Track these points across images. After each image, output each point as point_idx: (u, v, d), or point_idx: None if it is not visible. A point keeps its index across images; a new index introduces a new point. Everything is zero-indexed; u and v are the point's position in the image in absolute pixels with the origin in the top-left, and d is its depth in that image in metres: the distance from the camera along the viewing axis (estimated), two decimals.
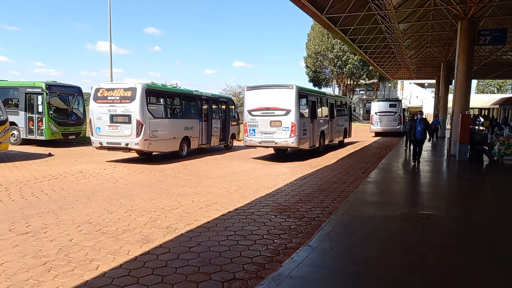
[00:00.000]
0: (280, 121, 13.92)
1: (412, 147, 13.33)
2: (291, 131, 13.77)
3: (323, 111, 17.59)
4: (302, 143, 14.44)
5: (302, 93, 14.71)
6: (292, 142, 13.88)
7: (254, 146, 15.08)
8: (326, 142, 17.98)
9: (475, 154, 13.27)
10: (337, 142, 20.65)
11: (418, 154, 12.69)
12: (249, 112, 14.46)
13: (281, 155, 16.39)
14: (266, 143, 14.38)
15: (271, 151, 17.00)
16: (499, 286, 3.91)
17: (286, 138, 13.87)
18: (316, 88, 48.92)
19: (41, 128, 16.54)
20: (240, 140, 20.77)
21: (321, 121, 16.95)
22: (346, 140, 22.42)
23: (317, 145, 16.35)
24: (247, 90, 14.97)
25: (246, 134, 14.65)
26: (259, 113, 14.26)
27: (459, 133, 13.52)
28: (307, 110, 15.36)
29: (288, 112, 13.79)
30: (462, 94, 14.60)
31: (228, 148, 18.32)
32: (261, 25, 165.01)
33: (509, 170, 11.76)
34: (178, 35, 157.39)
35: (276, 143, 14.18)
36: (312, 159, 14.92)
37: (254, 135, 14.36)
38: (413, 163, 12.54)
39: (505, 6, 15.33)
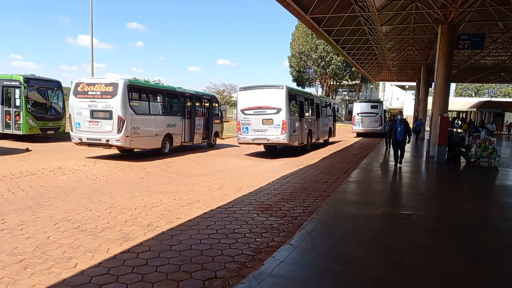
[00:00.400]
0: (271, 119, 14.74)
1: (393, 148, 12.81)
2: (282, 128, 14.59)
3: (310, 111, 18.41)
4: (292, 140, 15.26)
5: (291, 93, 15.49)
6: (283, 139, 14.69)
7: (247, 143, 15.73)
8: (313, 140, 18.73)
9: (453, 155, 13.60)
10: (322, 141, 21.54)
11: (400, 156, 12.29)
12: (242, 111, 15.27)
13: (269, 153, 16.72)
14: (259, 140, 15.16)
15: (260, 149, 17.12)
16: (478, 285, 4.01)
17: (277, 135, 14.67)
18: (300, 88, 49.42)
19: (18, 122, 16.09)
20: (223, 139, 20.74)
21: (308, 120, 17.75)
22: (330, 140, 23.29)
23: (305, 142, 17.13)
24: (239, 91, 15.73)
25: (239, 132, 15.39)
26: (251, 112, 15.07)
27: (438, 135, 13.82)
28: (296, 110, 16.10)
29: (279, 110, 14.62)
30: (441, 97, 14.93)
31: (211, 146, 18.24)
32: (246, 23, 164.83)
33: (485, 172, 12.10)
34: (161, 31, 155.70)
35: (268, 140, 15.00)
36: (295, 158, 15.01)
37: (247, 133, 15.18)
38: (394, 164, 12.26)
39: (484, 12, 15.74)
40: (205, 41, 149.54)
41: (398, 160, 12.29)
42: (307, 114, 17.59)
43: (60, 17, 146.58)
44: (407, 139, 12.26)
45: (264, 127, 14.84)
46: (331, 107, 23.85)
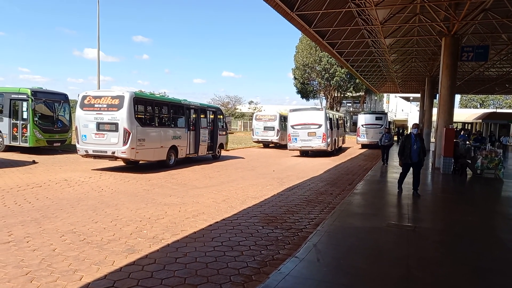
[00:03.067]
0: (315, 132, 20.57)
1: (402, 170, 9.72)
2: (323, 138, 20.47)
3: (335, 125, 23.67)
4: (328, 146, 20.88)
5: (327, 113, 21.29)
6: (323, 146, 20.58)
7: (295, 149, 21.54)
8: (336, 146, 23.99)
9: (459, 167, 13.52)
10: (337, 147, 25.86)
11: (416, 181, 9.32)
12: (292, 126, 21.07)
13: (303, 155, 22.18)
14: (305, 147, 20.94)
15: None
16: None
17: (319, 143, 20.54)
18: (305, 100, 49.85)
19: (25, 135, 16.24)
20: (228, 150, 20.77)
21: (334, 132, 22.94)
22: (342, 146, 28.41)
23: (333, 148, 22.63)
24: (290, 112, 21.59)
25: (290, 141, 21.23)
26: (299, 127, 20.88)
27: (443, 147, 13.78)
28: (329, 124, 21.22)
29: (320, 126, 20.52)
30: (446, 109, 14.93)
31: (216, 158, 18.26)
32: (250, 35, 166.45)
33: (491, 184, 12.01)
34: (166, 44, 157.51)
35: (312, 147, 20.79)
36: (300, 169, 14.99)
37: (296, 142, 21.00)
38: (398, 190, 9.75)
39: (487, 24, 15.84)
40: (210, 53, 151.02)
41: (415, 190, 9.38)
42: (334, 127, 22.85)
43: (67, 31, 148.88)
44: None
45: (309, 138, 20.61)
46: (344, 120, 30.16)
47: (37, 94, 16.42)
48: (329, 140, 20.85)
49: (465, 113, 53.85)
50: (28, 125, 16.09)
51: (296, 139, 20.86)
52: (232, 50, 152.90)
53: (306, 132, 20.64)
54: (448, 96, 14.85)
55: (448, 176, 13.21)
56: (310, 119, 20.70)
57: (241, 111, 65.20)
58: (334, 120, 23.70)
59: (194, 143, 16.15)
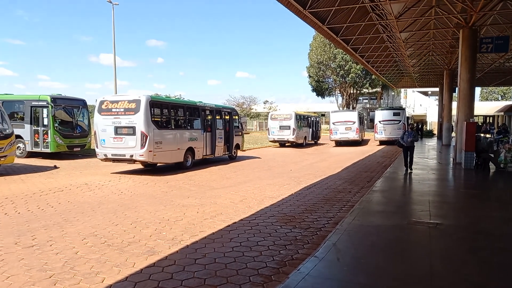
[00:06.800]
0: (350, 127, 27.96)
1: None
2: (356, 132, 27.97)
3: (362, 121, 31.60)
4: (359, 138, 28.56)
5: (358, 113, 29.78)
6: (357, 138, 28.20)
7: (336, 140, 28.93)
8: (363, 137, 31.66)
9: (481, 162, 13.18)
10: (363, 138, 32.82)
11: None
12: (333, 123, 28.66)
13: (339, 145, 29.11)
14: (343, 138, 28.20)
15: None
16: None
17: (354, 135, 28.03)
18: (321, 98, 49.49)
19: (46, 140, 16.62)
20: (244, 150, 20.78)
21: (361, 127, 30.38)
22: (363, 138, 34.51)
23: (361, 139, 30.13)
24: (331, 112, 30.17)
25: (331, 134, 28.87)
26: (339, 123, 28.36)
27: (465, 141, 13.45)
28: (359, 121, 28.89)
29: (354, 122, 28.07)
30: (466, 102, 14.57)
31: (233, 159, 18.32)
32: (264, 35, 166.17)
33: None
34: (180, 46, 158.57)
35: (348, 138, 28.04)
36: (317, 168, 14.88)
37: (336, 134, 28.41)
38: None
39: (506, 14, 15.39)
40: (223, 54, 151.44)
41: None
42: (361, 124, 30.25)
43: (83, 38, 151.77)
44: None
45: (346, 131, 28.02)
46: (364, 117, 38.71)
47: (56, 100, 16.78)
48: (360, 133, 28.66)
49: (486, 106, 52.50)
50: (49, 131, 16.46)
51: (336, 132, 28.40)
52: (246, 51, 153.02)
53: (344, 127, 28.02)
54: (468, 89, 14.49)
55: (470, 171, 12.89)
56: (347, 118, 28.18)
57: (256, 111, 65.18)
58: (362, 118, 32.01)
59: (210, 144, 16.24)
